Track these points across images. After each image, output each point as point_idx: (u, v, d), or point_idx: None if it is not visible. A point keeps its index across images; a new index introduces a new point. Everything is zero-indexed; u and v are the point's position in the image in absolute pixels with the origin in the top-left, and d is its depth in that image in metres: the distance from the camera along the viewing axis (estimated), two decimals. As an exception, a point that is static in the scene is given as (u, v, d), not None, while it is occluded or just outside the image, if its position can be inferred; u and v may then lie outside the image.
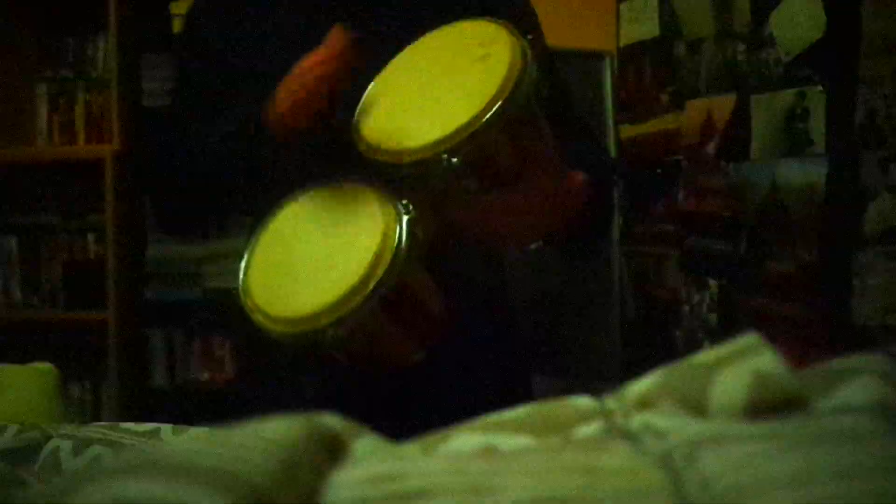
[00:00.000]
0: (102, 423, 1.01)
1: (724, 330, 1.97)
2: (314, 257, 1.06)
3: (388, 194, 1.05)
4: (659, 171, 2.28)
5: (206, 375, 3.00)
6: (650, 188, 2.34)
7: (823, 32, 1.60)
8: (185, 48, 1.38)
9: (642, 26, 2.41)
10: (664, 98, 2.29)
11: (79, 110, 3.01)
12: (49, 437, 0.94)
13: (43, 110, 3.02)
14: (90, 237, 3.00)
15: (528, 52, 1.03)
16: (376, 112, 1.10)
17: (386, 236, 1.01)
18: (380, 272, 1.00)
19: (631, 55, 2.49)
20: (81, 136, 3.01)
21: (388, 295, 1.00)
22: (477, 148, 1.00)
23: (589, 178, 1.11)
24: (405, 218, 1.02)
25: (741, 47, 1.90)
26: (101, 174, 2.80)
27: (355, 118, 1.10)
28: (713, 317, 2.05)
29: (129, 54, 2.91)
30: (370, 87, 1.13)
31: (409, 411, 1.19)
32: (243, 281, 1.08)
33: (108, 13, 2.82)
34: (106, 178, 2.80)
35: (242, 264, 1.10)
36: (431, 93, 1.08)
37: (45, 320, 2.94)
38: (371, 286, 0.99)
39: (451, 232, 1.06)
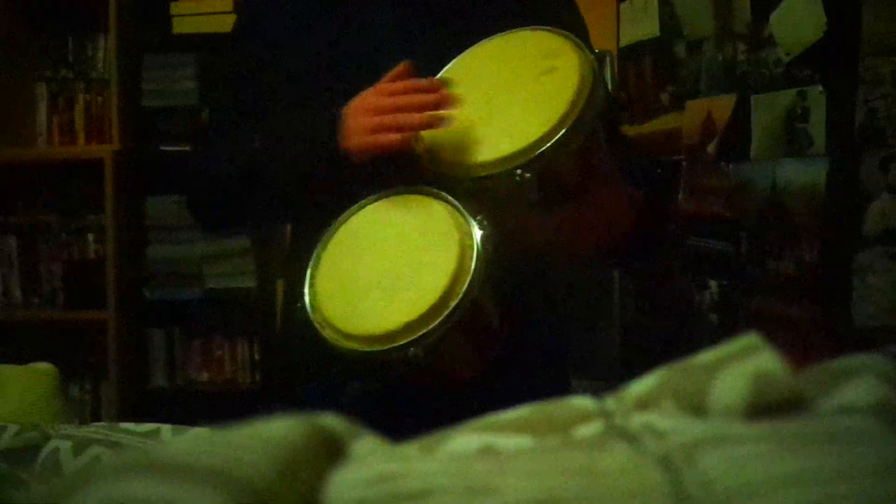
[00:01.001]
0: (102, 423, 1.01)
1: (725, 330, 1.97)
2: (387, 273, 1.02)
3: (458, 207, 1.02)
4: (659, 171, 2.28)
5: (205, 376, 3.00)
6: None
7: (823, 32, 1.60)
8: (240, 38, 1.35)
9: (642, 26, 2.40)
10: (664, 98, 2.29)
11: (79, 110, 3.01)
12: (49, 438, 0.94)
13: (43, 110, 3.02)
14: (90, 237, 3.00)
15: (597, 67, 1.02)
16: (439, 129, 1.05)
17: (463, 255, 0.99)
18: (459, 291, 0.97)
19: (631, 55, 2.49)
20: (81, 136, 3.01)
21: (466, 313, 0.98)
22: (547, 163, 0.99)
23: (644, 193, 1.11)
24: (480, 234, 1.00)
25: (741, 47, 1.90)
26: (101, 174, 2.80)
27: None
28: (713, 317, 2.05)
29: (130, 54, 2.91)
30: None
31: (452, 419, 1.17)
32: (310, 294, 1.04)
33: (108, 13, 2.82)
34: (106, 178, 2.80)
35: (307, 276, 1.05)
36: (496, 104, 1.05)
37: (45, 320, 2.94)
38: (452, 305, 0.97)
39: (513, 245, 1.04)
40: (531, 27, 1.10)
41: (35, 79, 3.01)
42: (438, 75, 1.12)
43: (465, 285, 0.98)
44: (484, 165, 1.01)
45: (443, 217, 1.03)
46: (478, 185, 1.01)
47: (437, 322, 0.97)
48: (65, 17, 2.98)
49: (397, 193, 1.07)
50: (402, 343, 0.97)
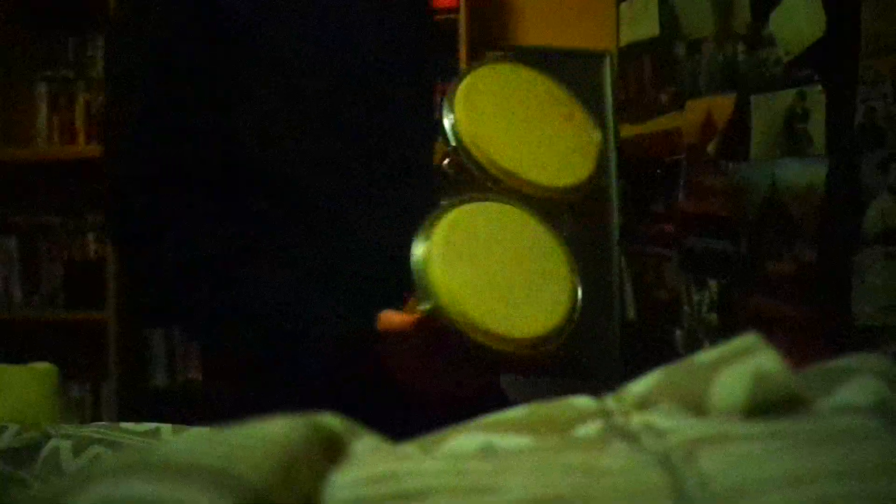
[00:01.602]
0: (102, 423, 1.01)
1: (725, 330, 1.97)
2: (516, 277, 1.08)
3: (542, 218, 1.12)
4: (659, 171, 2.28)
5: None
6: (651, 188, 2.34)
7: (823, 32, 1.60)
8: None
9: (642, 26, 2.40)
10: (664, 98, 2.28)
11: (79, 110, 3.01)
12: (49, 437, 0.94)
13: (43, 110, 3.02)
14: (90, 237, 3.00)
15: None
16: (493, 142, 1.14)
17: (570, 262, 1.10)
18: (577, 297, 1.09)
19: (631, 55, 2.49)
20: (81, 136, 3.01)
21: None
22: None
23: None
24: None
25: (741, 47, 1.90)
26: (101, 174, 2.80)
27: (460, 135, 1.12)
28: (713, 317, 2.05)
29: (129, 54, 2.90)
30: (457, 111, 1.14)
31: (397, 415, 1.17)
32: (442, 297, 1.02)
33: (108, 13, 2.82)
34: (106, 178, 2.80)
35: (423, 280, 1.03)
36: (535, 134, 1.18)
37: (45, 320, 2.94)
38: (577, 309, 1.08)
39: None
40: (525, 65, 1.24)
41: (35, 79, 3.01)
42: (462, 85, 1.16)
43: (579, 292, 1.09)
44: (547, 189, 1.13)
45: (538, 225, 1.12)
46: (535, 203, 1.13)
47: (571, 324, 1.07)
48: (65, 17, 2.98)
49: (480, 200, 1.11)
50: (556, 344, 1.06)
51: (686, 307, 2.16)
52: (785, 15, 1.74)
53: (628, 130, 2.46)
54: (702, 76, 2.08)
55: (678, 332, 2.21)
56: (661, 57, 2.30)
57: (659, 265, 2.31)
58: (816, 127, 1.63)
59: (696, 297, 2.11)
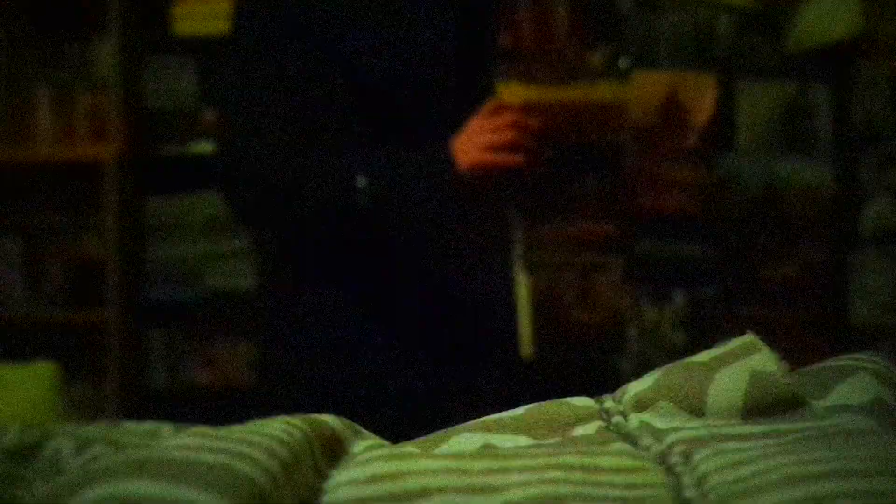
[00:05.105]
0: (102, 423, 1.01)
1: (695, 350, 1.70)
2: None
3: None
4: (587, 152, 1.91)
5: (205, 376, 3.00)
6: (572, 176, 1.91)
7: (858, 33, 1.53)
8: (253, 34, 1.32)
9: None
10: (595, 59, 1.89)
11: (80, 111, 3.01)
12: (49, 437, 0.94)
13: (44, 111, 3.02)
14: (90, 237, 3.00)
15: None
16: None
17: None
18: None
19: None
20: (82, 138, 3.01)
21: None
22: None
23: None
24: None
25: (727, 20, 1.75)
26: (101, 175, 2.81)
27: None
28: (680, 336, 1.77)
29: (131, 56, 2.91)
30: None
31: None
32: None
33: (109, 15, 2.83)
34: (106, 179, 2.80)
35: None
36: None
37: (46, 320, 2.94)
38: None
39: None
40: None
41: (36, 80, 3.01)
42: None
43: None
44: None
45: None
46: None
47: None
48: (66, 18, 2.99)
49: None
50: None
51: (633, 330, 1.82)
52: (818, 7, 1.62)
53: (527, 93, 1.92)
54: (662, 43, 1.80)
55: (623, 364, 1.81)
56: (589, 5, 1.91)
57: (586, 277, 1.91)
58: (822, 125, 1.60)
59: (650, 316, 1.79)
